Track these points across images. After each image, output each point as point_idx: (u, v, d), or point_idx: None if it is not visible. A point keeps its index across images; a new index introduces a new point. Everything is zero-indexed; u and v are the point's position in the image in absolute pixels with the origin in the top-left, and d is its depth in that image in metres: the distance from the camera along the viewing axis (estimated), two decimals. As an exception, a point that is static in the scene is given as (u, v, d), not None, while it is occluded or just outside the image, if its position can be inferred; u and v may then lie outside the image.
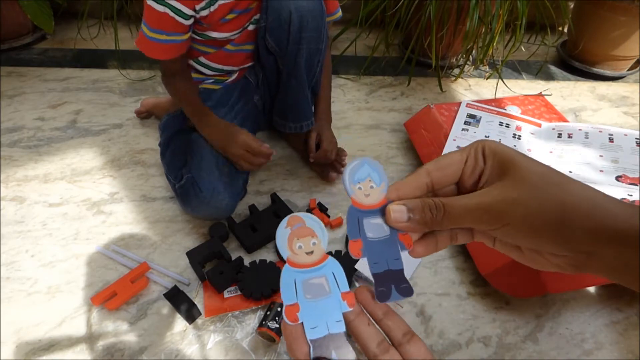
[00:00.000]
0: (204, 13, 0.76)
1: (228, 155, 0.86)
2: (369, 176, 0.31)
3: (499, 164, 0.27)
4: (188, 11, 0.73)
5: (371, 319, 0.29)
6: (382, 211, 0.30)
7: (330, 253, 0.80)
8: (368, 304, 0.29)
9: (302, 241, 0.30)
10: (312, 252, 0.30)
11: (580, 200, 0.24)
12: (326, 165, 1.00)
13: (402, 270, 0.29)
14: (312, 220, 0.31)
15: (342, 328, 0.28)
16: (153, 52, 0.78)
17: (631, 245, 0.23)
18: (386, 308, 0.30)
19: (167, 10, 0.72)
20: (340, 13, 0.94)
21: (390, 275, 0.29)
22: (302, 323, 0.27)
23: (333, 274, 0.30)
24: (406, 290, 0.29)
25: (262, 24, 0.83)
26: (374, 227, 0.30)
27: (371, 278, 0.31)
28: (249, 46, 0.90)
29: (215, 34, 0.82)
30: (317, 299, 0.29)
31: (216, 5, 0.76)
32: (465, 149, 0.29)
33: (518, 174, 0.26)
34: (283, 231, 0.31)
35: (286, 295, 0.29)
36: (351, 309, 0.28)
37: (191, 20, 0.76)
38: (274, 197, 0.92)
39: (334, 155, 0.98)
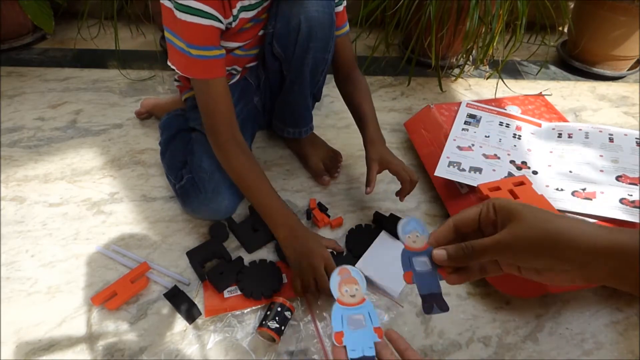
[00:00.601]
0: (229, 26, 0.76)
1: (298, 267, 0.72)
2: (415, 229, 0.46)
3: (507, 214, 0.38)
4: (223, 20, 0.72)
5: (395, 351, 0.43)
6: (426, 253, 0.44)
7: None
8: (394, 340, 0.44)
9: (348, 287, 0.46)
10: (354, 296, 0.45)
11: (569, 229, 0.35)
12: (321, 169, 1.00)
13: (440, 293, 0.43)
14: (356, 272, 0.47)
15: (373, 353, 0.41)
16: (210, 72, 0.72)
17: (609, 256, 0.34)
18: (406, 345, 0.43)
19: (213, 22, 0.69)
20: (347, 28, 0.91)
21: (432, 296, 0.43)
22: (345, 346, 0.41)
23: (369, 313, 0.44)
24: (443, 306, 0.43)
25: (270, 30, 0.82)
26: (420, 264, 0.44)
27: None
28: (255, 50, 0.90)
29: (229, 44, 0.82)
30: (356, 329, 0.43)
31: (237, 20, 0.76)
32: (479, 205, 0.41)
33: (520, 218, 0.37)
34: (335, 277, 0.47)
35: (335, 325, 0.43)
36: (380, 340, 0.42)
37: (224, 27, 0.74)
38: None
39: (415, 176, 0.84)
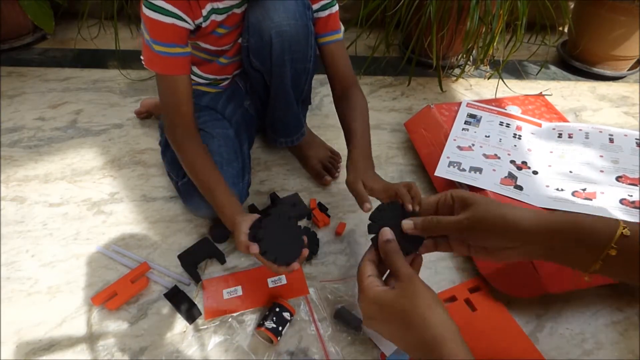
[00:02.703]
0: (200, 26, 0.75)
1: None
2: None
3: (463, 202, 0.49)
4: (191, 22, 0.73)
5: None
6: None
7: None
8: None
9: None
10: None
11: (513, 214, 0.45)
12: (321, 168, 1.00)
13: None
14: None
15: None
16: (170, 69, 0.73)
17: (544, 234, 0.44)
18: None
19: (175, 21, 0.70)
20: (338, 35, 0.85)
21: None
22: None
23: None
24: None
25: (245, 44, 0.81)
26: None
27: None
28: (239, 57, 0.89)
29: (206, 45, 0.82)
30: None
31: (209, 21, 0.75)
32: (439, 194, 0.52)
33: (476, 205, 0.47)
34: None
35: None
36: None
37: (192, 27, 0.74)
38: (274, 197, 0.92)
39: (400, 190, 0.69)
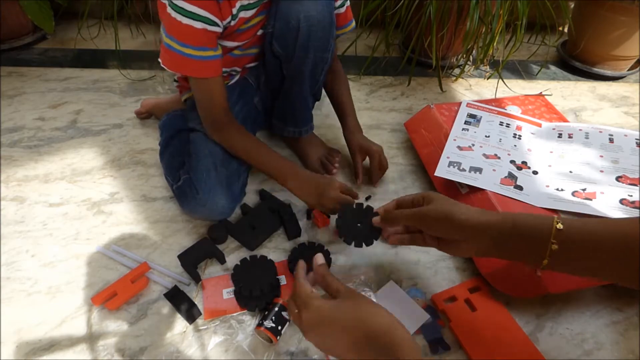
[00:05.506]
0: (228, 25, 0.76)
1: (320, 207, 0.81)
2: (415, 295, 0.75)
3: (427, 199, 0.58)
4: (220, 23, 0.73)
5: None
6: (427, 311, 0.72)
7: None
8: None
9: None
10: None
11: (459, 210, 0.54)
12: (320, 166, 1.00)
13: (442, 337, 0.68)
14: None
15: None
16: (203, 71, 0.74)
17: (486, 230, 0.52)
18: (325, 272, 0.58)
19: (206, 26, 0.70)
20: (352, 25, 0.96)
21: (436, 340, 0.68)
22: None
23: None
24: (445, 346, 0.68)
25: (269, 30, 0.82)
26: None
27: None
28: (254, 50, 0.90)
29: (227, 43, 0.82)
30: None
31: (237, 19, 0.76)
32: (416, 194, 0.62)
33: (433, 200, 0.57)
34: None
35: None
36: None
37: (221, 29, 0.75)
38: (263, 194, 0.93)
39: (385, 164, 0.97)
